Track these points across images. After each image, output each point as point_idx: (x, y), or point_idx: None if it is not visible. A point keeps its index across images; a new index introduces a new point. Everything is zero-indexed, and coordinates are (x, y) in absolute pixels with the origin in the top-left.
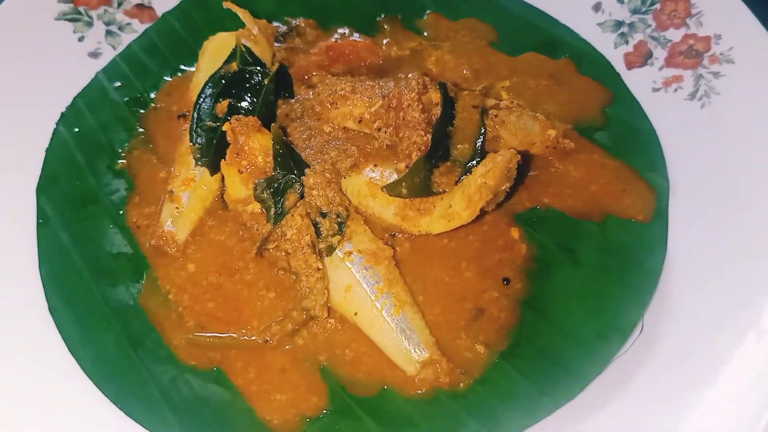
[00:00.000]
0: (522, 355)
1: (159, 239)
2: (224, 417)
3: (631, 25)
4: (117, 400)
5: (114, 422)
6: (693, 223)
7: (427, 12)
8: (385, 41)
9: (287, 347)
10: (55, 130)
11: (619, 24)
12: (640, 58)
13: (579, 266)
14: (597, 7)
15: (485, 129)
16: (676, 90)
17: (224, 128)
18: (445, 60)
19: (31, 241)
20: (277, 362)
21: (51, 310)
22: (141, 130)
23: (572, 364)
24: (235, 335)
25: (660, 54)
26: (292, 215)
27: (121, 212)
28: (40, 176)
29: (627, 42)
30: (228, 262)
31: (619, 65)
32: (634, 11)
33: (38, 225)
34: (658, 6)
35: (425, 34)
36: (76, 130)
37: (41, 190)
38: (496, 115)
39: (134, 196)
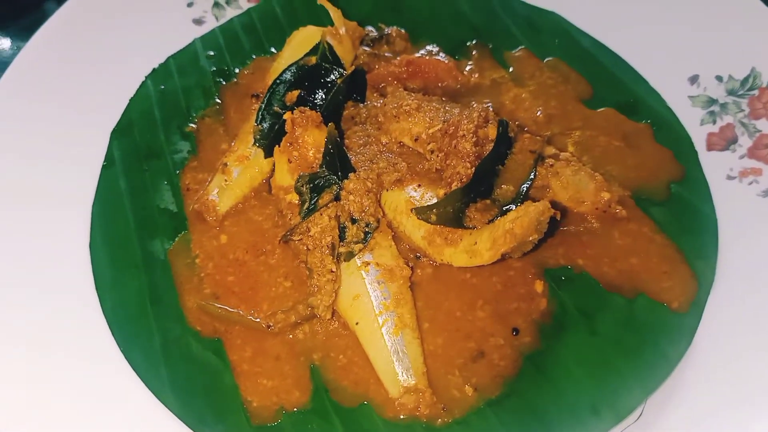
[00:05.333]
0: (509, 408)
1: (202, 205)
2: (211, 386)
3: (723, 106)
4: (123, 345)
5: (113, 365)
6: (727, 322)
7: (520, 47)
8: (468, 66)
9: (287, 337)
10: (143, 83)
11: (711, 101)
12: (724, 141)
13: (594, 335)
14: (693, 80)
15: (535, 175)
16: (751, 183)
17: (285, 117)
18: (522, 98)
19: (93, 180)
20: (274, 348)
21: (91, 246)
22: (218, 100)
23: (557, 430)
24: (242, 313)
25: (745, 142)
26: (321, 214)
27: (178, 172)
28: (118, 122)
29: (714, 122)
30: (258, 243)
31: (699, 143)
32: (731, 92)
33: (103, 166)
34: (756, 92)
35: (510, 69)
36: (162, 87)
37: (115, 134)
38: (551, 165)
39: (193, 160)
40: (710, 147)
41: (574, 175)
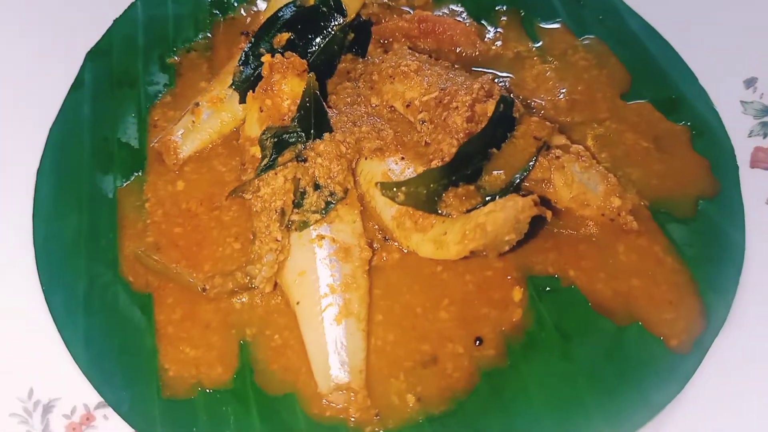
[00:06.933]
0: (451, 428)
1: (163, 145)
2: (128, 345)
3: None
4: (45, 282)
5: (29, 302)
6: (729, 373)
7: (556, 19)
8: (490, 33)
9: (223, 304)
10: (132, 4)
11: (766, 111)
12: None
13: (568, 361)
14: (750, 83)
15: (533, 165)
16: None
17: (263, 59)
18: (546, 77)
19: (57, 101)
20: (205, 315)
21: (39, 169)
22: (208, 35)
23: None
24: (180, 270)
25: None
26: (276, 173)
27: (149, 106)
28: (97, 43)
29: (765, 135)
30: (214, 196)
31: (742, 157)
32: None
33: (71, 87)
34: None
35: (540, 43)
36: (151, 12)
37: (91, 56)
38: (557, 157)
39: (168, 95)
40: (754, 163)
41: (582, 172)
